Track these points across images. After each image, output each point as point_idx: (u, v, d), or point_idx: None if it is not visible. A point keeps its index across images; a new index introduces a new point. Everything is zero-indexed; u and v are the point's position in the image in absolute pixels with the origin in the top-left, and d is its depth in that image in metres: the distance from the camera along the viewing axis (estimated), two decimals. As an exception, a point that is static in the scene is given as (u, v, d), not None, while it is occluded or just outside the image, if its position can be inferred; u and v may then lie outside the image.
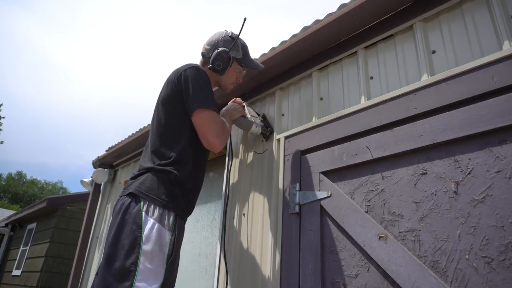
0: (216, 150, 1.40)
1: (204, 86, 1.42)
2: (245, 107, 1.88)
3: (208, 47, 1.64)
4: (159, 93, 1.55)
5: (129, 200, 1.27)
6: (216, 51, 1.57)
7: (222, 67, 1.57)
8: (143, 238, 1.18)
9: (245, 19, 1.60)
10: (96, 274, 1.24)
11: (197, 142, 1.43)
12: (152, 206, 1.25)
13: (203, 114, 1.37)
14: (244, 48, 1.70)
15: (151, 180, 1.31)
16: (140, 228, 1.20)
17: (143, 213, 1.23)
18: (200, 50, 1.70)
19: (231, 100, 1.90)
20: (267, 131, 2.01)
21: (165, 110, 1.44)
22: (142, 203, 1.25)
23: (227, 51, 1.57)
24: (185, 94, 1.40)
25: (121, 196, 1.33)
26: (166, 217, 1.26)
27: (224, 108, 1.77)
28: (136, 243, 1.17)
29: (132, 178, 1.39)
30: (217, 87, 1.73)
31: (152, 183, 1.30)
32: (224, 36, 1.64)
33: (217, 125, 1.40)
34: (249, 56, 1.74)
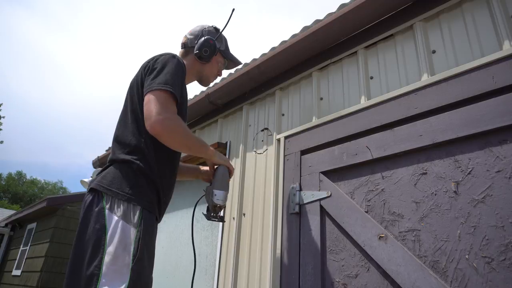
0: (154, 130, 1.16)
1: (174, 71, 1.27)
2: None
3: (191, 37, 1.57)
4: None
5: (91, 197, 1.18)
6: (203, 38, 1.51)
7: (209, 53, 1.51)
8: (107, 237, 1.10)
9: (233, 10, 1.56)
10: None
11: None
12: (116, 201, 1.15)
13: (155, 93, 1.19)
14: (226, 41, 1.66)
15: (113, 172, 1.21)
16: (104, 227, 1.11)
17: (107, 211, 1.13)
18: (180, 41, 1.61)
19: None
20: (211, 216, 1.40)
21: (131, 96, 1.33)
22: (104, 199, 1.15)
23: (213, 39, 1.53)
24: (149, 74, 1.26)
25: (87, 193, 1.23)
26: (132, 212, 1.15)
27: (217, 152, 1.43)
28: (100, 244, 1.09)
29: (98, 174, 1.29)
30: (195, 80, 1.61)
31: (115, 175, 1.20)
32: (208, 27, 1.59)
33: (166, 107, 1.18)
34: (230, 50, 1.69)
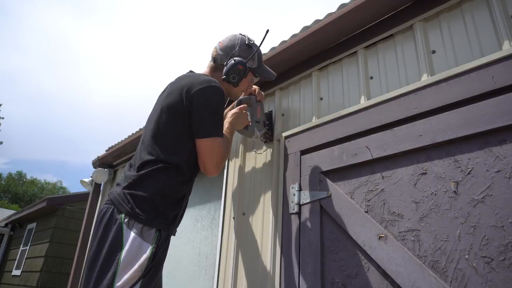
0: (210, 176, 1.39)
1: (218, 111, 1.36)
2: (253, 104, 1.79)
3: (222, 53, 1.52)
4: (163, 93, 1.47)
5: (111, 209, 1.24)
6: (232, 61, 1.46)
7: (237, 79, 1.48)
8: (123, 253, 1.15)
9: (267, 31, 1.51)
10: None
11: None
12: (135, 218, 1.21)
13: (208, 142, 1.33)
14: (259, 56, 1.61)
15: (137, 189, 1.25)
16: (121, 242, 1.17)
17: (124, 226, 1.19)
18: (211, 51, 1.58)
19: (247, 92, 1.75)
20: (268, 137, 1.99)
21: (169, 117, 1.34)
22: (123, 215, 1.21)
23: (243, 62, 1.47)
24: (195, 113, 1.31)
25: (105, 203, 1.29)
26: (148, 230, 1.22)
27: (228, 118, 1.62)
28: (115, 258, 1.15)
29: (118, 184, 1.33)
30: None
31: (137, 192, 1.24)
32: (240, 44, 1.53)
33: (219, 155, 1.35)
34: (263, 65, 1.66)
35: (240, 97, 1.75)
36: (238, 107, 1.68)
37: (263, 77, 1.66)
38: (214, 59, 1.55)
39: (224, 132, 1.47)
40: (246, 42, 1.55)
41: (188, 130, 1.34)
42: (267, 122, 1.95)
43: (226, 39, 1.57)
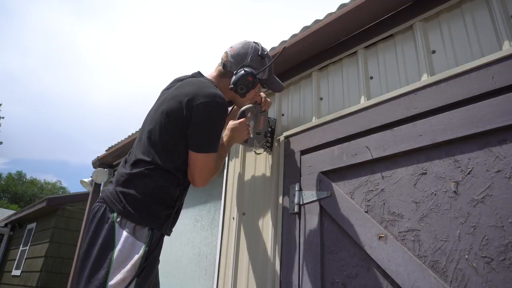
0: (197, 187, 1.38)
1: (217, 129, 1.34)
2: (257, 114, 1.73)
3: (232, 61, 1.47)
4: (167, 90, 1.46)
5: (104, 207, 1.23)
6: (242, 71, 1.41)
7: (245, 91, 1.43)
8: (115, 252, 1.14)
9: (284, 48, 1.50)
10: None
11: None
12: (127, 217, 1.20)
13: (201, 157, 1.31)
14: (271, 67, 1.55)
15: (129, 187, 1.24)
16: (113, 241, 1.16)
17: (117, 225, 1.18)
18: (221, 55, 1.54)
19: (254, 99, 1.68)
20: (268, 147, 1.93)
21: (167, 122, 1.31)
22: (116, 214, 1.20)
23: (254, 74, 1.42)
24: (193, 126, 1.29)
25: (97, 201, 1.28)
26: (141, 229, 1.20)
27: (227, 130, 1.56)
28: (107, 257, 1.14)
29: (111, 181, 1.32)
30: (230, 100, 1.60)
31: (129, 191, 1.22)
32: (252, 54, 1.47)
33: (209, 171, 1.34)
34: (273, 76, 1.60)
35: (244, 107, 1.65)
36: (239, 121, 1.57)
37: (271, 88, 1.60)
38: (224, 65, 1.50)
39: (221, 143, 1.44)
40: (259, 53, 1.48)
41: (184, 138, 1.32)
42: (269, 131, 1.87)
43: (239, 46, 1.50)
